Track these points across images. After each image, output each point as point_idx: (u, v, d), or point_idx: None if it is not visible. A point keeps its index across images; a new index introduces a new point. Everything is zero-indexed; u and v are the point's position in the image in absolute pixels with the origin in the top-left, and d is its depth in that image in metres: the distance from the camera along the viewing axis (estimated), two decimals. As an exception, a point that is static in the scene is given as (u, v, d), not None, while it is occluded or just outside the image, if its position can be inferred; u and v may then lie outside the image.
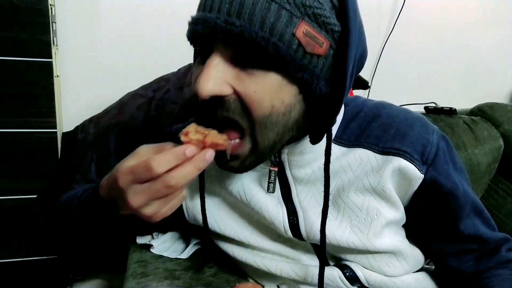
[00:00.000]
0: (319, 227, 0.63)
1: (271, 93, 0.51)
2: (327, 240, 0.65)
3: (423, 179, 0.63)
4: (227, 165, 0.57)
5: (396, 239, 0.69)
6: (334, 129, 0.64)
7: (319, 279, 0.65)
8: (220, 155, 0.53)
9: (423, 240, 0.72)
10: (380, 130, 0.64)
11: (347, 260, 0.70)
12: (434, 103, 1.40)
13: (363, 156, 0.64)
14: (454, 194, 0.65)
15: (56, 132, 1.10)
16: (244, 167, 0.57)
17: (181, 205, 0.73)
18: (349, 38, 0.51)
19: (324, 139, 0.60)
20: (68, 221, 0.68)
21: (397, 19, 1.42)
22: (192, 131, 0.51)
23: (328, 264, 0.73)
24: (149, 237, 0.88)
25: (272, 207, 0.67)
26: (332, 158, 0.63)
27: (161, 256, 0.84)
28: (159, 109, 1.08)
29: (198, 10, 0.53)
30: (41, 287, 1.20)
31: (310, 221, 0.66)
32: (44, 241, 1.16)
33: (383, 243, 0.66)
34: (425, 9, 1.48)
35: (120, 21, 1.18)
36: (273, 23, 0.48)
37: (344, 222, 0.66)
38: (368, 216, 0.65)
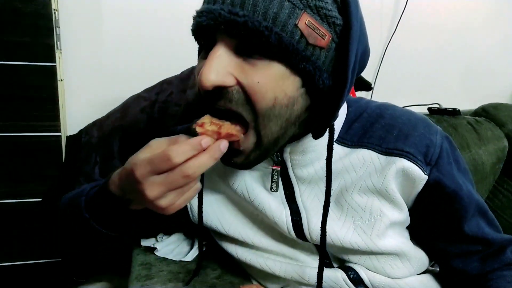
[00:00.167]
0: (326, 229, 0.63)
1: (274, 84, 0.52)
2: (330, 240, 0.65)
3: (427, 180, 0.63)
4: (231, 161, 0.57)
5: (400, 240, 0.68)
6: (337, 128, 0.64)
7: (318, 278, 0.65)
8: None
9: (428, 241, 0.72)
10: (383, 131, 0.64)
11: (351, 262, 0.70)
12: (437, 104, 1.39)
13: (366, 156, 0.64)
14: (458, 195, 0.64)
15: (60, 135, 1.10)
16: (248, 163, 0.57)
17: (186, 205, 0.73)
18: (350, 32, 0.52)
19: (326, 136, 0.60)
20: (70, 219, 0.67)
21: (399, 20, 1.42)
22: (207, 122, 0.52)
23: (332, 266, 0.72)
24: (153, 239, 0.88)
25: (275, 207, 0.67)
26: (335, 158, 0.63)
27: (165, 259, 0.84)
28: (162, 112, 1.08)
29: (203, 4, 0.54)
30: (45, 290, 1.20)
31: (313, 221, 0.66)
32: (48, 244, 1.16)
33: (387, 244, 0.66)
34: (427, 11, 1.48)
35: (123, 25, 1.18)
36: (276, 14, 0.49)
37: (347, 222, 0.66)
38: (372, 217, 0.65)
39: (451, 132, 1.26)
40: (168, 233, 0.89)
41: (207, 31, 0.53)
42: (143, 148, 0.54)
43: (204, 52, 0.56)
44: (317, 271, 0.65)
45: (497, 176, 1.34)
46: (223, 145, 0.51)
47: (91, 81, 1.19)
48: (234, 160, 0.57)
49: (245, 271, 0.80)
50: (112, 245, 0.67)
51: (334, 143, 0.63)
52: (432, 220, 0.68)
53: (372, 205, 0.64)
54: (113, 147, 1.09)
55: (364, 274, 0.69)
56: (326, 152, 0.61)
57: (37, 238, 1.15)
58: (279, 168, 0.66)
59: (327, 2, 0.51)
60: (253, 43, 0.50)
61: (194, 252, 0.85)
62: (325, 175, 0.62)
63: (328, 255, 0.72)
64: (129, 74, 1.21)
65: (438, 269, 0.77)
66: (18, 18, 1.00)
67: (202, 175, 0.68)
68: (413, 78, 1.53)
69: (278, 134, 0.56)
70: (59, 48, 1.08)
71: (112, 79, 1.20)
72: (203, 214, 0.72)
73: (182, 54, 1.07)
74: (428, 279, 0.74)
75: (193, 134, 0.51)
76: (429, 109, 1.39)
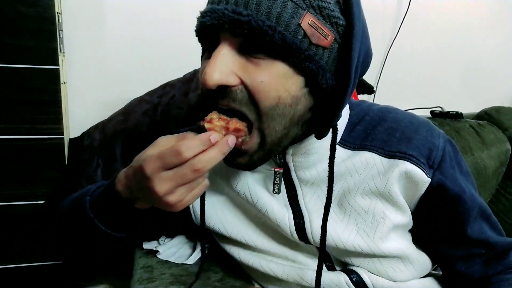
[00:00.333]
0: (326, 228, 0.63)
1: (277, 83, 0.52)
2: (333, 243, 0.65)
3: (430, 183, 0.63)
4: (234, 162, 0.57)
5: (402, 243, 0.68)
6: (340, 131, 0.64)
7: (316, 279, 0.65)
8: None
9: (430, 244, 0.72)
10: (385, 133, 0.64)
11: (353, 265, 0.70)
12: (440, 107, 1.39)
13: (369, 159, 0.64)
14: (461, 198, 0.64)
15: (63, 138, 1.10)
16: (252, 163, 0.58)
17: (188, 207, 0.73)
18: (353, 33, 0.52)
19: (329, 138, 0.60)
20: (73, 220, 0.66)
21: (401, 23, 1.42)
22: (216, 117, 0.53)
23: (334, 268, 0.72)
24: (155, 242, 0.88)
25: (277, 209, 0.67)
26: (337, 160, 0.63)
27: (167, 262, 0.84)
28: (165, 115, 1.08)
29: (207, 5, 0.54)
30: (47, 293, 1.20)
31: (316, 224, 0.66)
32: (50, 246, 1.16)
33: (390, 247, 0.66)
34: (430, 13, 1.48)
35: (126, 28, 1.19)
36: (279, 13, 0.50)
37: (350, 225, 0.66)
38: (374, 219, 0.65)
39: (454, 135, 1.26)
40: (170, 235, 0.89)
41: (211, 31, 0.53)
42: (151, 145, 0.54)
43: (207, 53, 0.57)
44: (324, 276, 0.65)
45: (500, 180, 1.33)
46: (231, 140, 0.51)
47: (94, 84, 1.20)
48: (238, 160, 0.57)
49: (247, 274, 0.80)
50: (114, 247, 0.66)
51: (337, 145, 0.63)
52: (435, 223, 0.68)
53: (375, 207, 0.64)
54: (115, 150, 1.09)
55: (366, 277, 0.69)
56: (328, 154, 0.61)
57: (39, 240, 1.15)
58: (281, 170, 0.66)
59: (329, 3, 0.52)
60: (256, 42, 0.51)
61: (196, 255, 0.85)
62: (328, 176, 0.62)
63: (331, 258, 0.72)
64: (132, 77, 1.21)
65: (441, 272, 0.77)
66: (22, 21, 1.01)
67: None
68: (415, 81, 1.53)
69: (282, 134, 0.56)
70: (62, 51, 1.09)
71: (115, 82, 1.20)
72: (206, 216, 0.72)
73: (184, 57, 1.07)
74: (431, 282, 0.73)
75: (200, 132, 0.52)
76: (431, 112, 1.39)
